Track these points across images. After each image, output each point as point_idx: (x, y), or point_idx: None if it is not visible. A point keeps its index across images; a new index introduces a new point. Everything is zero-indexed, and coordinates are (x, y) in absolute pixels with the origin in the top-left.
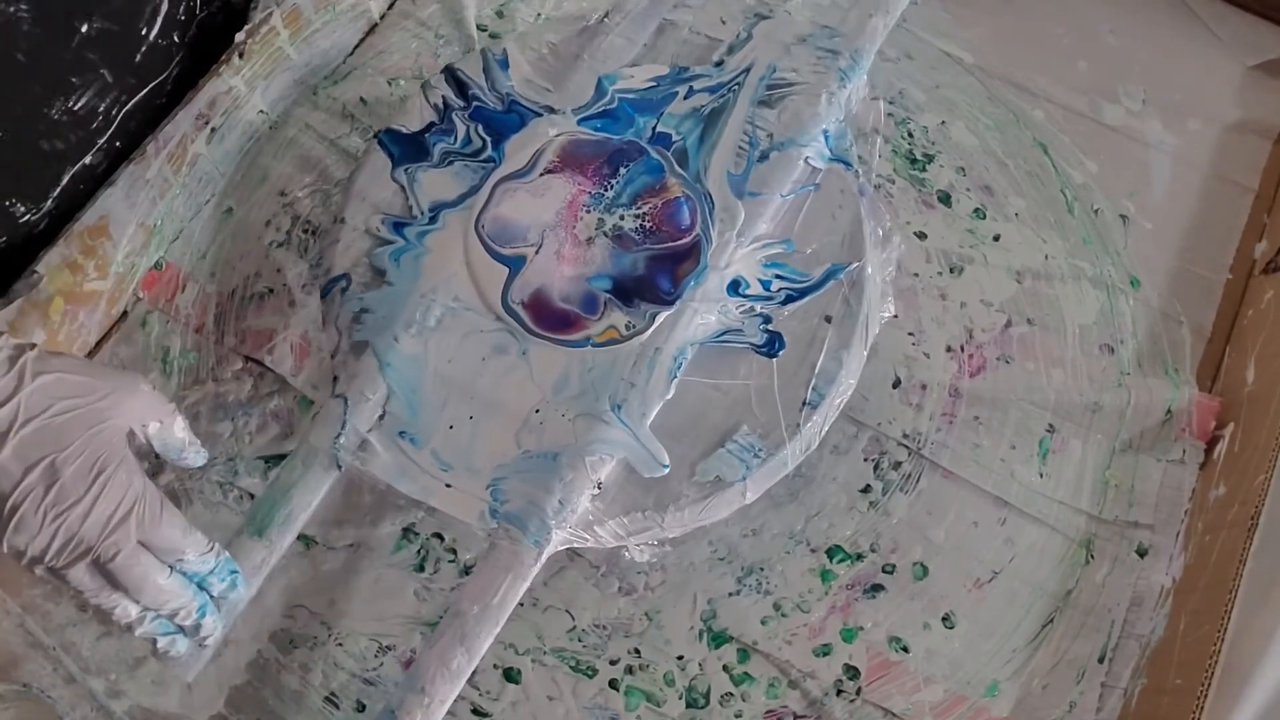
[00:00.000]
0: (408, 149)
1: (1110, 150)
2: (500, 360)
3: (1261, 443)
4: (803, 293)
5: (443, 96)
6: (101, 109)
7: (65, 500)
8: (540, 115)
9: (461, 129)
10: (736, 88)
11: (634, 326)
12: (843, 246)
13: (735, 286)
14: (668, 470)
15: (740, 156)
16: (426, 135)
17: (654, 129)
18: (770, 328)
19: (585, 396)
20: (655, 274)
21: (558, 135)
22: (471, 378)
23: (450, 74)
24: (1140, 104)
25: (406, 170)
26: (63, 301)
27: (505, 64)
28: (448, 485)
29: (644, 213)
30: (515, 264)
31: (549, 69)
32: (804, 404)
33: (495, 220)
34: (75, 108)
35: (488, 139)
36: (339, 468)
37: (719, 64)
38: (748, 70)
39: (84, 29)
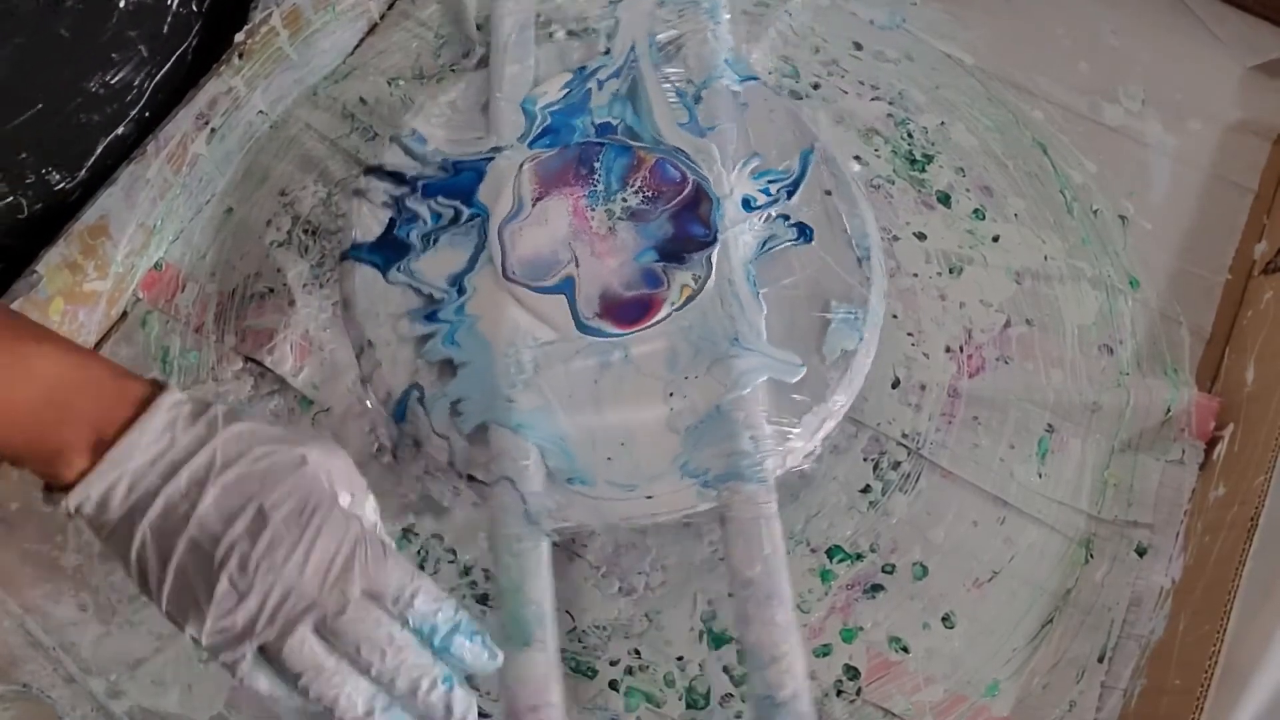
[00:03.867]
0: (387, 252)
1: (1110, 151)
2: (610, 374)
3: (1261, 443)
4: (796, 183)
5: (384, 191)
6: (136, 82)
7: (278, 548)
8: (491, 159)
9: (424, 209)
10: (634, 63)
11: (700, 276)
12: (795, 137)
13: (747, 204)
14: (805, 369)
15: (678, 109)
16: (394, 232)
17: (594, 124)
18: (794, 221)
19: (704, 350)
20: (685, 225)
21: (523, 164)
22: (597, 406)
23: (378, 171)
24: (1140, 104)
25: (399, 269)
26: (62, 301)
27: (423, 140)
28: (648, 497)
29: (639, 187)
30: (566, 287)
31: (465, 122)
32: (859, 261)
33: (520, 263)
34: (112, 81)
35: (457, 202)
36: (548, 536)
37: (607, 52)
38: (634, 47)
39: (122, 4)
